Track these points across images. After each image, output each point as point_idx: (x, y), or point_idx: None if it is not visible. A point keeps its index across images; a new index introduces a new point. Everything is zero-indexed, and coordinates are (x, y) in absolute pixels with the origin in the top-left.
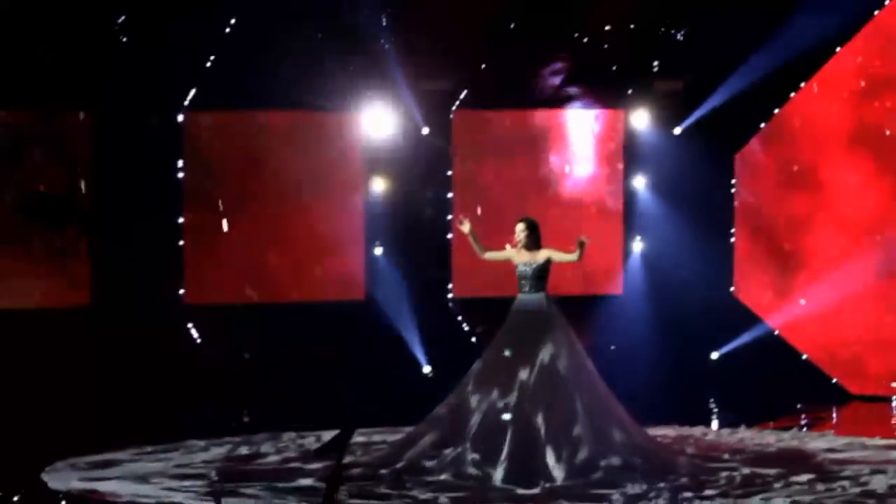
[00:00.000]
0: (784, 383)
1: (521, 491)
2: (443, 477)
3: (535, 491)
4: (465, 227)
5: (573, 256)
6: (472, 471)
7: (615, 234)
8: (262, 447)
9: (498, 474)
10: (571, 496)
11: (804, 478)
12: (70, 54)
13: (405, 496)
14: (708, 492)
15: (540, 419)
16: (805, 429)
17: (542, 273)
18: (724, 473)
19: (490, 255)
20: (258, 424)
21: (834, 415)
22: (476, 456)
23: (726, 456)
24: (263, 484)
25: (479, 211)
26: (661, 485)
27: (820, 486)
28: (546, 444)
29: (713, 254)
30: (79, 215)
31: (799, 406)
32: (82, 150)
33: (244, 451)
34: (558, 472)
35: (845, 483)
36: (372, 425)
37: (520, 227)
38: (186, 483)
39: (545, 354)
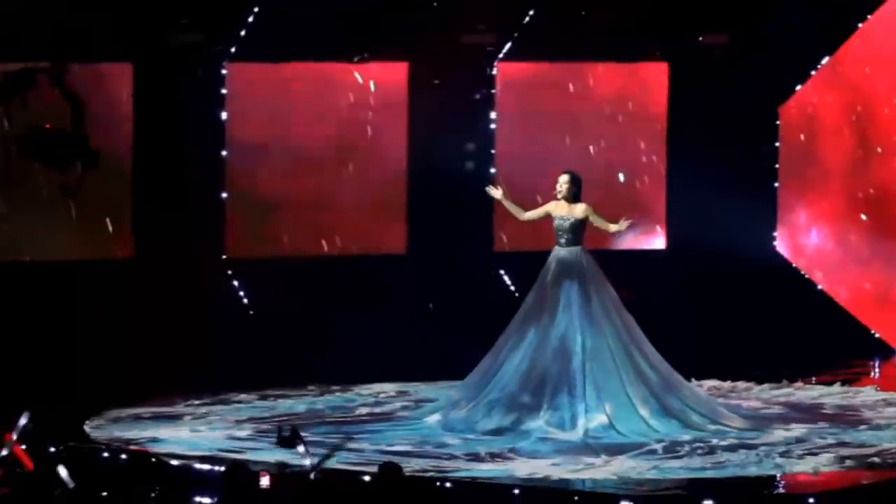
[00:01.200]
0: (827, 338)
1: (560, 436)
2: (487, 428)
3: (574, 439)
4: (498, 194)
5: (611, 226)
6: (510, 423)
7: (658, 189)
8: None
9: (538, 423)
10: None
11: (844, 433)
12: (114, 5)
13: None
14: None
15: (580, 369)
16: (848, 384)
17: (579, 227)
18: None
19: (529, 215)
20: (300, 379)
21: (877, 370)
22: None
23: (768, 411)
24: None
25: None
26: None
27: (860, 441)
28: (584, 393)
29: (757, 207)
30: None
31: (842, 360)
32: (125, 102)
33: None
34: (596, 425)
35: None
36: (412, 380)
37: (563, 179)
38: (229, 434)
39: (588, 312)
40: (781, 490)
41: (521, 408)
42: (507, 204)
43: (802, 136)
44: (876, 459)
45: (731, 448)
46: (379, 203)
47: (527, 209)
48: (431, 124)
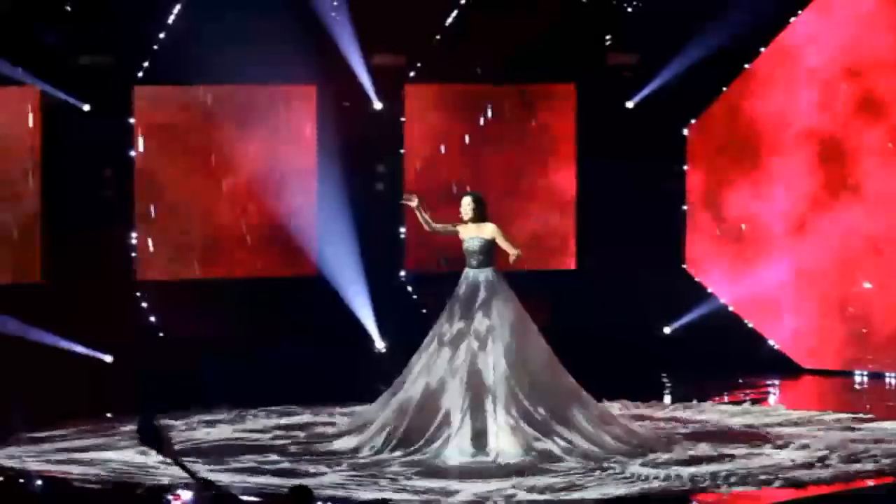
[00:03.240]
0: (736, 358)
1: (474, 465)
2: (394, 454)
3: (485, 464)
4: (413, 203)
5: (512, 250)
6: (421, 449)
7: (568, 208)
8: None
9: (447, 451)
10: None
11: (753, 452)
12: (18, 28)
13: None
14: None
15: (489, 400)
16: (755, 403)
17: (489, 248)
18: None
19: (437, 227)
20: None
21: (778, 389)
22: (420, 435)
23: (682, 431)
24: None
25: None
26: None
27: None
28: (493, 421)
29: (666, 227)
30: None
31: (744, 381)
32: (33, 126)
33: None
34: (507, 449)
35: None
36: (325, 403)
37: (466, 201)
38: (139, 459)
39: (494, 332)
40: None
41: (431, 432)
42: (420, 214)
43: (713, 156)
44: (789, 477)
45: (641, 467)
46: (289, 224)
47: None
48: (340, 147)
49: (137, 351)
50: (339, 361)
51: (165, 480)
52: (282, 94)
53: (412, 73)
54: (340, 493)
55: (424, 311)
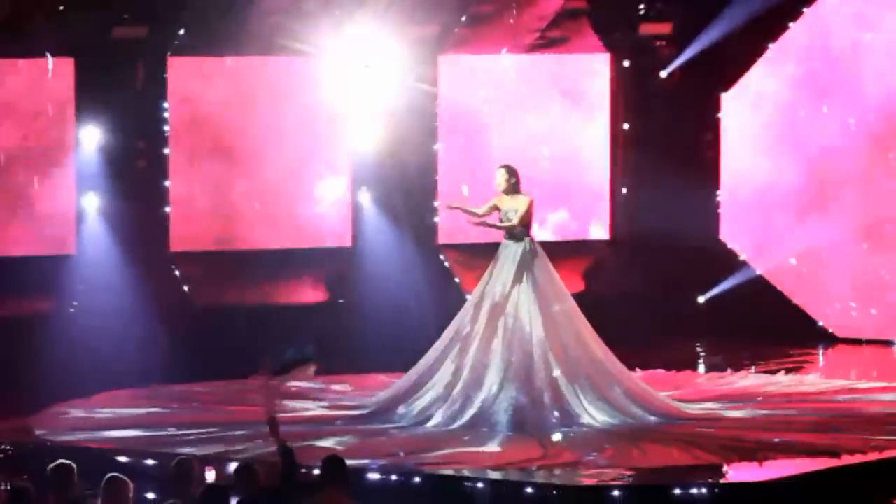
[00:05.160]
0: (770, 327)
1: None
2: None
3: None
4: (455, 204)
5: (514, 223)
6: (465, 416)
7: (601, 179)
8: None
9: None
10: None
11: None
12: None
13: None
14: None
15: (528, 359)
16: (792, 372)
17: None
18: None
19: (484, 211)
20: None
21: (814, 359)
22: (464, 402)
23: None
24: None
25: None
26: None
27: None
28: (527, 391)
29: (701, 197)
30: None
31: (785, 349)
32: (68, 97)
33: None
34: (541, 419)
35: None
36: (362, 371)
37: (500, 173)
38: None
39: (531, 304)
40: (729, 479)
41: (467, 401)
42: (465, 210)
43: (746, 126)
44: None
45: (677, 439)
46: (323, 195)
47: (478, 206)
48: (375, 117)
49: (171, 321)
50: (374, 331)
51: (197, 451)
52: (312, 65)
53: (446, 44)
54: None
55: (457, 280)
